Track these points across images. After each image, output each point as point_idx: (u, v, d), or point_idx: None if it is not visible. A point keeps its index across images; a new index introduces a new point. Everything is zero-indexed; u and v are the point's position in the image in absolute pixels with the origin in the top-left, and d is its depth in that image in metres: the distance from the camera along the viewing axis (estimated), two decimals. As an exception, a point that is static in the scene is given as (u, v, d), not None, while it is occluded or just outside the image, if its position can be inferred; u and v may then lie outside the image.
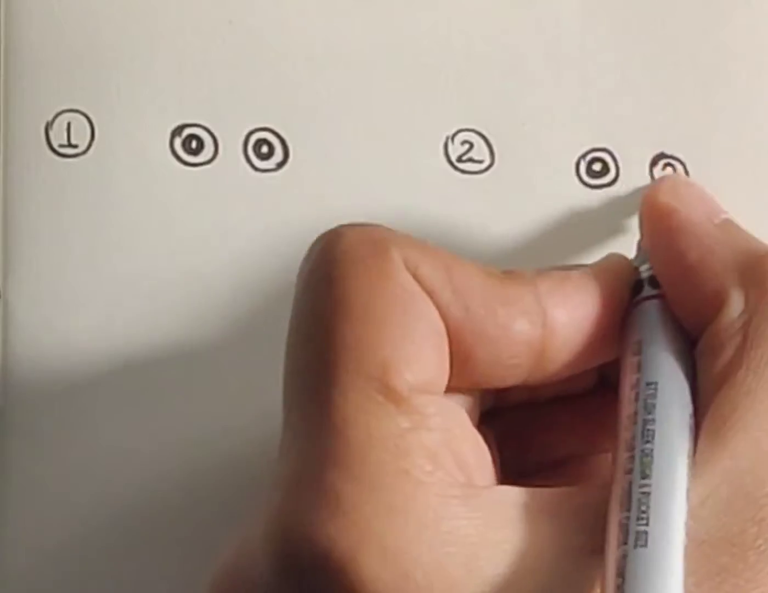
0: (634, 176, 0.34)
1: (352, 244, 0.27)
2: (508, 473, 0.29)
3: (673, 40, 0.34)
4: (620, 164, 0.34)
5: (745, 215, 0.34)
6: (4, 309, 0.34)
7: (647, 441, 0.25)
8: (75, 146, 0.34)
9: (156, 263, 0.34)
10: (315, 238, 0.28)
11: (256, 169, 0.34)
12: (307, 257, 0.28)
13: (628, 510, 0.24)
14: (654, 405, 0.26)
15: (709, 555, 0.24)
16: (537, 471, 0.31)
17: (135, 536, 0.34)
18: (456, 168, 0.34)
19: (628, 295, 0.30)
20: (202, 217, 0.34)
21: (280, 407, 0.27)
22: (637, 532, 0.24)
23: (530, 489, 0.26)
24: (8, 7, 0.34)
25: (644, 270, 0.30)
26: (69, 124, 0.34)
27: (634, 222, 0.33)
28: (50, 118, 0.34)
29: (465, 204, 0.34)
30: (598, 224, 0.34)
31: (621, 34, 0.34)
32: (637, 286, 0.30)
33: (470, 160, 0.34)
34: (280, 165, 0.34)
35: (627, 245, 0.34)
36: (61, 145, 0.34)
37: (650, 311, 0.29)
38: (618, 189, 0.34)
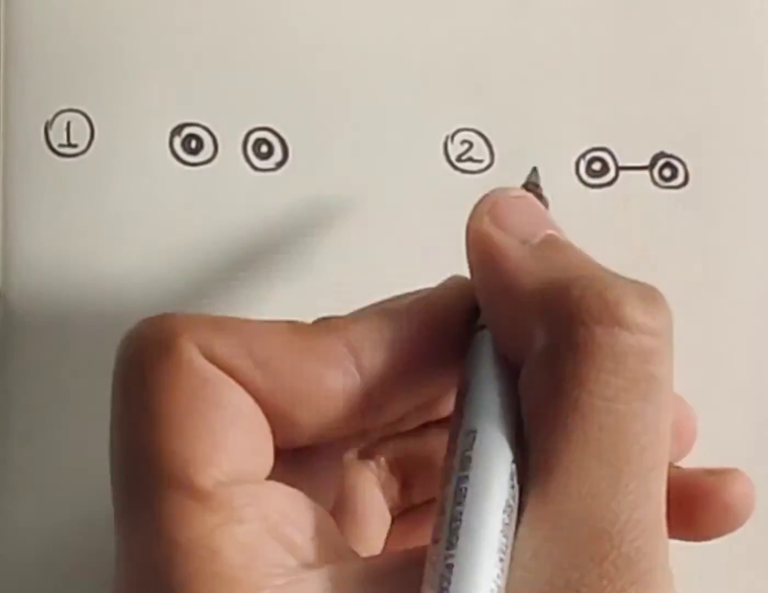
0: (633, 176, 0.34)
1: (141, 346, 0.26)
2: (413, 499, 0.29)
3: (673, 40, 0.34)
4: (620, 164, 0.34)
5: (745, 215, 0.34)
6: (4, 309, 0.34)
7: (458, 503, 0.24)
8: (75, 146, 0.34)
9: (156, 262, 0.34)
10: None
11: (255, 168, 0.34)
12: (115, 360, 0.28)
13: (434, 588, 0.23)
14: (470, 459, 0.25)
15: None
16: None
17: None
18: (456, 167, 0.34)
19: (467, 317, 0.28)
20: (202, 216, 0.34)
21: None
22: None
23: (369, 560, 0.26)
24: (8, 7, 0.34)
25: None
26: (69, 124, 0.34)
27: (634, 223, 0.33)
28: (50, 117, 0.34)
29: (465, 203, 0.34)
30: (597, 223, 0.34)
31: (621, 34, 0.34)
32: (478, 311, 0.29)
33: (470, 159, 0.34)
34: (280, 164, 0.34)
35: (627, 244, 0.34)
36: (61, 145, 0.34)
37: (480, 344, 0.28)
38: (617, 188, 0.34)
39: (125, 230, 0.34)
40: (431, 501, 0.27)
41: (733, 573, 0.34)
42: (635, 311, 0.25)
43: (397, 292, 0.34)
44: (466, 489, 0.24)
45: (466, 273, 0.28)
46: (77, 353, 0.34)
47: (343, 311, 0.33)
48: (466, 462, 0.25)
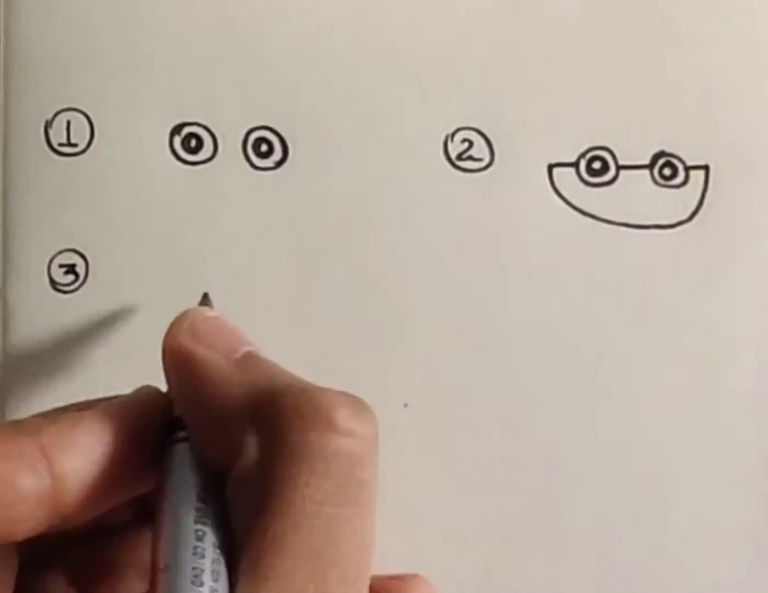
0: (633, 175, 0.34)
1: None
2: None
3: (673, 40, 0.34)
4: (620, 163, 0.34)
5: (744, 215, 0.34)
6: (4, 309, 0.34)
7: None
8: (74, 145, 0.34)
9: (155, 262, 0.34)
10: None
11: (255, 167, 0.34)
12: None
13: None
14: None
15: None
16: None
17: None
18: (456, 166, 0.34)
19: (160, 428, 0.29)
20: (202, 215, 0.34)
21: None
22: None
23: None
24: (8, 7, 0.34)
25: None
26: (68, 123, 0.34)
27: (632, 221, 0.33)
28: (50, 117, 0.34)
29: (465, 202, 0.34)
30: (597, 222, 0.34)
31: (621, 34, 0.34)
32: (176, 423, 0.29)
33: (470, 158, 0.34)
34: (279, 163, 0.34)
35: (627, 244, 0.34)
36: (61, 144, 0.34)
37: (178, 456, 0.28)
38: (617, 188, 0.34)
39: (125, 230, 0.34)
40: None
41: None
42: (346, 417, 0.26)
43: (397, 290, 0.34)
44: None
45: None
46: (77, 352, 0.34)
47: (343, 311, 0.33)
48: None
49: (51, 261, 0.34)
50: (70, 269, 0.34)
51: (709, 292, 0.34)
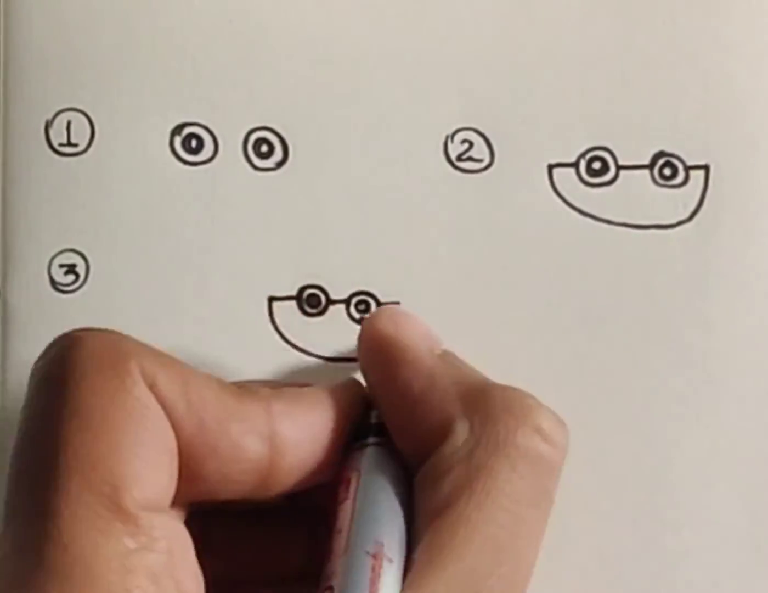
0: (633, 175, 0.34)
1: (92, 352, 0.27)
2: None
3: (673, 40, 0.34)
4: (620, 163, 0.34)
5: (744, 215, 0.34)
6: (4, 309, 0.34)
7: None
8: (75, 145, 0.34)
9: (155, 262, 0.34)
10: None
11: (255, 168, 0.34)
12: (43, 356, 0.28)
13: None
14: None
15: None
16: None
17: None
18: (456, 167, 0.34)
19: (358, 424, 0.30)
20: (202, 215, 0.34)
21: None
22: None
23: None
24: (8, 7, 0.34)
25: (374, 415, 0.30)
26: (69, 123, 0.34)
27: (634, 221, 0.33)
28: (50, 117, 0.34)
29: (465, 203, 0.34)
30: (597, 222, 0.34)
31: (621, 34, 0.34)
32: (365, 427, 0.30)
33: (470, 159, 0.34)
34: (280, 164, 0.34)
35: (627, 244, 0.34)
36: (61, 144, 0.34)
37: (370, 461, 0.29)
38: (617, 188, 0.34)
39: (125, 229, 0.34)
40: None
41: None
42: (551, 424, 0.28)
43: (397, 290, 0.34)
44: None
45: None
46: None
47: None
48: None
49: (51, 261, 0.34)
50: (70, 269, 0.34)
51: (709, 292, 0.34)
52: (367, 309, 0.34)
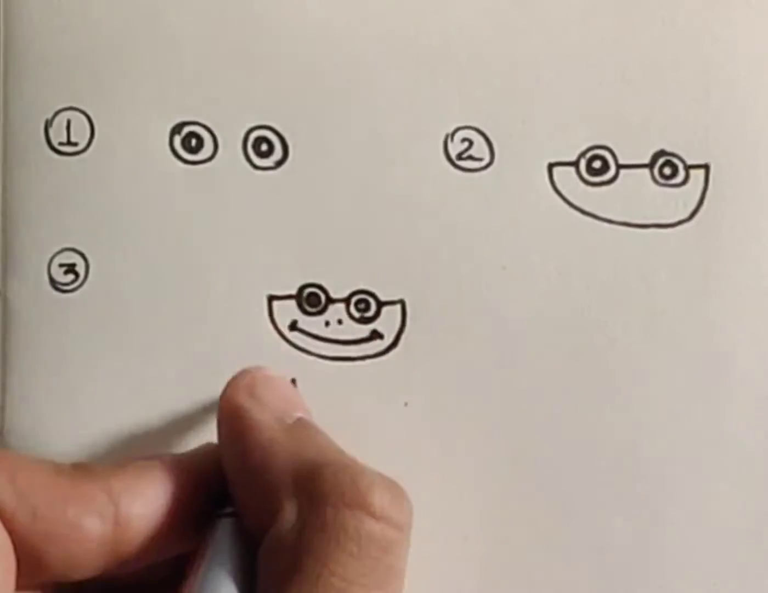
0: (634, 174, 0.34)
1: None
2: None
3: (673, 40, 0.34)
4: (620, 162, 0.34)
5: (744, 214, 0.34)
6: (4, 309, 0.34)
7: None
8: (75, 144, 0.34)
9: (155, 262, 0.34)
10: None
11: (255, 167, 0.34)
12: None
13: None
14: None
15: None
16: None
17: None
18: (456, 166, 0.34)
19: (215, 490, 0.30)
20: (202, 214, 0.34)
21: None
22: None
23: None
24: (8, 7, 0.34)
25: None
26: (69, 123, 0.34)
27: (633, 221, 0.33)
28: (50, 116, 0.34)
29: (465, 202, 0.34)
30: (597, 221, 0.34)
31: (621, 33, 0.34)
32: (224, 496, 0.30)
33: (470, 157, 0.34)
34: (280, 163, 0.34)
35: (627, 244, 0.34)
36: (61, 144, 0.34)
37: (222, 531, 0.29)
38: (617, 187, 0.34)
39: (125, 229, 0.34)
40: None
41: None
42: (383, 502, 0.27)
43: (397, 290, 0.34)
44: None
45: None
46: (77, 352, 0.34)
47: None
48: None
49: (51, 260, 0.34)
50: (70, 268, 0.34)
51: (709, 292, 0.34)
52: (367, 308, 0.34)
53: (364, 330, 0.34)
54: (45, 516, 0.27)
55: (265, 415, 0.30)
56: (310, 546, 0.27)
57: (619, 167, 0.34)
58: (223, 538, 0.29)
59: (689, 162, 0.34)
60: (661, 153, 0.34)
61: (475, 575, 0.34)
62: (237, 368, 0.32)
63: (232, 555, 0.28)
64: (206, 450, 0.31)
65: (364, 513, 0.27)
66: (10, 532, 0.27)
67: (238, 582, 0.28)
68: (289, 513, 0.27)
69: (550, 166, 0.34)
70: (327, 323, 0.34)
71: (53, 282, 0.34)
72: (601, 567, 0.33)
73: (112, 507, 0.28)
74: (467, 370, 0.34)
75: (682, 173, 0.34)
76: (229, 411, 0.30)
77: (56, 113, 0.34)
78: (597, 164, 0.34)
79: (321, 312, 0.34)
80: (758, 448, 0.34)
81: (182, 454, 0.31)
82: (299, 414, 0.30)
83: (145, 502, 0.28)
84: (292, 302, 0.34)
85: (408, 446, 0.34)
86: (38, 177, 0.34)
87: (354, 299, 0.34)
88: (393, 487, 0.28)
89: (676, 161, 0.34)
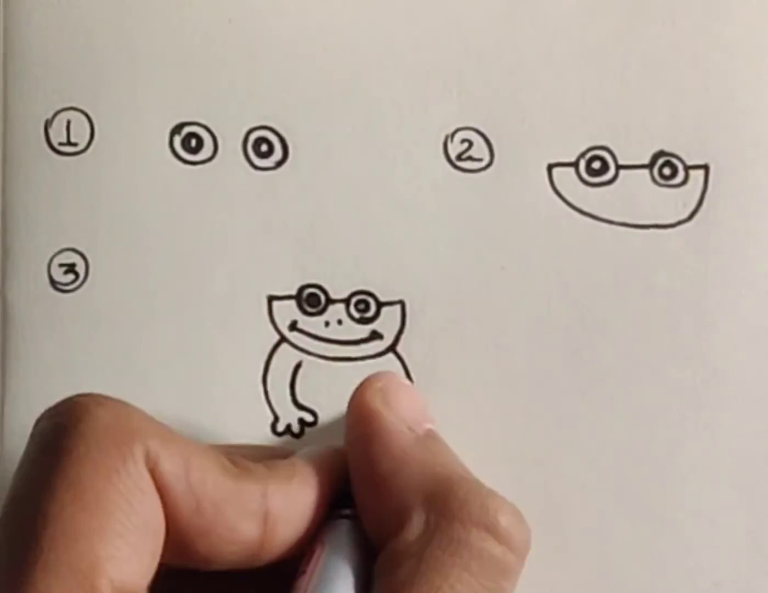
0: (633, 175, 0.34)
1: (99, 428, 0.27)
2: None
3: (673, 40, 0.34)
4: (619, 163, 0.34)
5: (744, 215, 0.34)
6: (4, 308, 0.34)
7: None
8: (75, 144, 0.34)
9: (155, 262, 0.34)
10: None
11: (255, 167, 0.34)
12: (49, 418, 0.28)
13: None
14: None
15: None
16: None
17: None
18: (456, 166, 0.34)
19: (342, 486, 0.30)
20: (202, 215, 0.34)
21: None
22: None
23: None
24: (8, 7, 0.34)
25: None
26: (69, 123, 0.34)
27: (634, 221, 0.33)
28: (50, 116, 0.34)
29: (465, 202, 0.34)
30: (597, 221, 0.34)
31: (621, 34, 0.34)
32: (345, 497, 0.30)
33: (470, 158, 0.34)
34: (280, 163, 0.34)
35: (627, 244, 0.34)
36: (61, 144, 0.34)
37: (338, 535, 0.29)
38: (617, 187, 0.34)
39: (125, 229, 0.34)
40: None
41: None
42: (509, 526, 0.28)
43: (397, 290, 0.34)
44: None
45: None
46: (77, 352, 0.34)
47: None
48: None
49: (51, 261, 0.34)
50: (70, 268, 0.34)
51: (708, 291, 0.34)
52: (367, 309, 0.34)
53: (364, 331, 0.34)
54: (206, 513, 0.27)
55: (398, 422, 0.30)
56: (434, 558, 0.27)
57: (618, 167, 0.34)
58: (341, 539, 0.29)
59: (689, 162, 0.34)
60: (661, 154, 0.34)
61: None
62: (237, 368, 0.32)
63: (350, 556, 0.29)
64: (332, 451, 0.31)
65: (490, 535, 0.28)
66: (173, 520, 0.27)
67: (353, 584, 0.28)
68: (416, 523, 0.28)
69: (550, 166, 0.34)
70: (327, 324, 0.34)
71: (53, 282, 0.34)
72: (601, 567, 0.33)
73: (265, 509, 0.28)
74: (467, 370, 0.34)
75: (681, 174, 0.34)
76: (361, 414, 0.30)
77: (56, 113, 0.34)
78: (596, 165, 0.34)
79: (321, 313, 0.34)
80: (758, 448, 0.34)
81: (312, 453, 0.31)
82: (429, 426, 0.31)
83: (294, 505, 0.29)
84: (292, 303, 0.34)
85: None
86: (38, 177, 0.34)
87: (354, 300, 0.34)
88: (517, 513, 0.28)
89: (675, 161, 0.34)
